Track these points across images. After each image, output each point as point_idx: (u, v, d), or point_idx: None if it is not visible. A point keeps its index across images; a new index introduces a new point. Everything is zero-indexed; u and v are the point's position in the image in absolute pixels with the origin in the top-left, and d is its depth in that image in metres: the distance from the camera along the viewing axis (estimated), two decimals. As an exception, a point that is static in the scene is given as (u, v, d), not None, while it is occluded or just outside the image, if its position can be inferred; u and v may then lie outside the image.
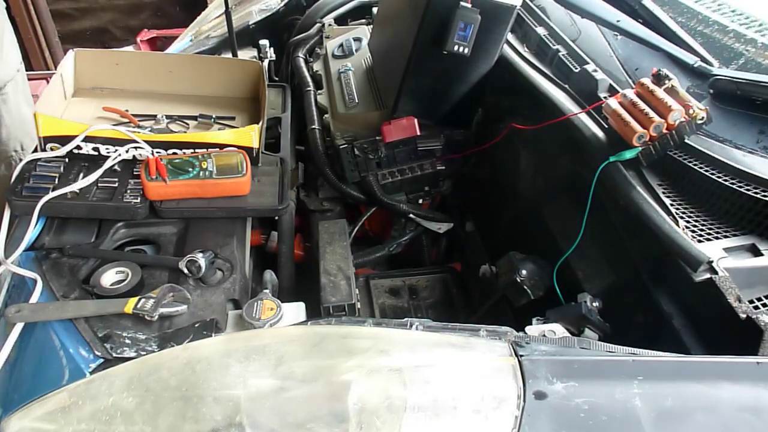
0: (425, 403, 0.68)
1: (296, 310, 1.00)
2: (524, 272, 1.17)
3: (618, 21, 1.30)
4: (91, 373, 0.87)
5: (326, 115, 1.58)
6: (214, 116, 1.43)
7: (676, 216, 0.97)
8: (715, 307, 0.86)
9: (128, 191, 1.15)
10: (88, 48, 1.47)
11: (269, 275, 1.27)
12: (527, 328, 0.95)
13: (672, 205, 1.00)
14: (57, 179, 1.15)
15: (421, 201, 1.52)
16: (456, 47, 1.26)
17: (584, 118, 1.17)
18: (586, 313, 0.97)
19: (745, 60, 1.20)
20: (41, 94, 1.36)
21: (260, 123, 1.29)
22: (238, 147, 1.26)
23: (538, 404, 0.68)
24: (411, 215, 1.50)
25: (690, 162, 1.04)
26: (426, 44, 1.29)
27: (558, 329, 0.96)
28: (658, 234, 0.94)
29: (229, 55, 1.69)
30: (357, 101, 1.54)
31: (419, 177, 1.47)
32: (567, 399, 0.68)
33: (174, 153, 1.24)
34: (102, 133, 1.20)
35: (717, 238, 0.95)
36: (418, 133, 1.41)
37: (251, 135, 1.26)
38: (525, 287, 1.16)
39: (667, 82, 1.06)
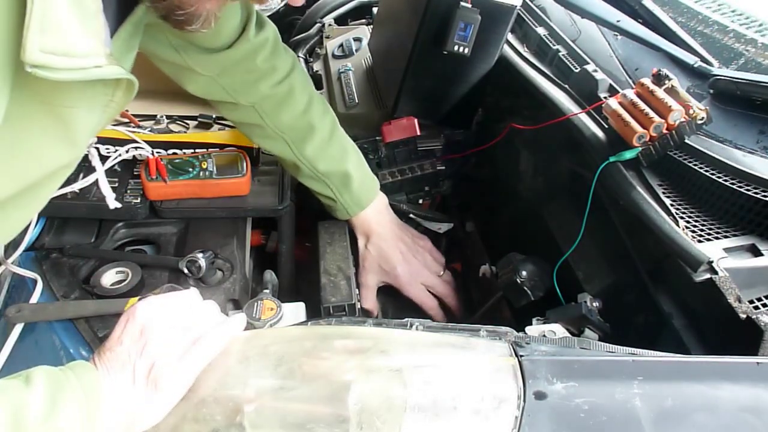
0: (425, 404, 0.68)
1: (296, 310, 1.00)
2: (524, 273, 1.16)
3: (618, 21, 1.30)
4: (91, 373, 0.87)
5: (326, 115, 1.58)
6: (214, 116, 1.43)
7: (676, 216, 0.97)
8: (715, 307, 0.86)
9: (128, 191, 1.15)
10: (88, 48, 1.47)
11: (269, 275, 1.26)
12: (527, 329, 0.95)
13: (672, 205, 1.00)
14: (57, 179, 1.15)
15: (421, 201, 1.52)
16: (456, 47, 1.26)
17: (584, 118, 1.17)
18: (586, 313, 0.97)
19: (745, 60, 1.20)
20: (41, 94, 1.35)
21: (260, 123, 1.29)
22: (238, 147, 1.26)
23: (538, 404, 0.68)
24: (411, 215, 1.50)
25: (690, 162, 1.04)
26: (426, 44, 1.29)
27: (558, 329, 0.96)
28: (658, 234, 0.94)
29: (229, 55, 1.69)
30: (357, 101, 1.54)
31: (419, 177, 1.47)
32: (567, 399, 0.68)
33: (174, 153, 1.24)
34: (102, 133, 1.20)
35: (717, 238, 0.95)
36: (418, 133, 1.41)
37: (251, 135, 1.26)
38: (525, 288, 1.15)
39: (667, 82, 1.06)
